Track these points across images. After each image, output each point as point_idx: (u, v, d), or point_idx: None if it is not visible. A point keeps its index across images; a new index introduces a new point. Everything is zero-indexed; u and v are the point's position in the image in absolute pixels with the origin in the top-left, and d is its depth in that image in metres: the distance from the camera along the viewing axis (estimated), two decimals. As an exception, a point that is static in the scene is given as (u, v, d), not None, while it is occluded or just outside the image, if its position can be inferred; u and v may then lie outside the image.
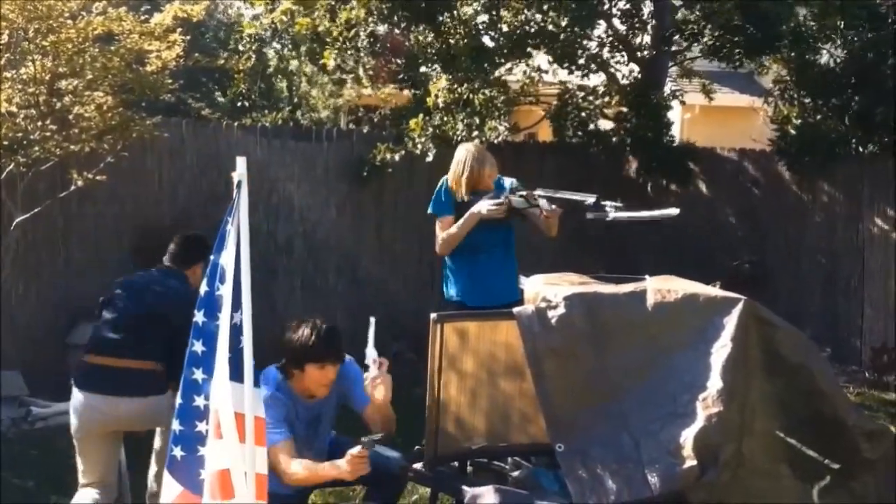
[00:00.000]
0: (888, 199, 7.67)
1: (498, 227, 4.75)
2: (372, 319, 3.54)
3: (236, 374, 2.61)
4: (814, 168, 7.74)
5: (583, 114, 8.62)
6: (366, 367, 3.60)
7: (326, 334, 3.64)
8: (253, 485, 2.61)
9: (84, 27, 5.93)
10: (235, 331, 2.60)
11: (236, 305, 2.66)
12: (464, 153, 4.82)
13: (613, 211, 4.23)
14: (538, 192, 4.54)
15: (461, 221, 4.70)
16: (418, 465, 3.45)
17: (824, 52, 8.00)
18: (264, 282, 7.21)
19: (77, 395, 4.10)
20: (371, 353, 3.56)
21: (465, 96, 7.79)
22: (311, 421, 3.79)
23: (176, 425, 2.62)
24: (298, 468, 3.50)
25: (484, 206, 4.62)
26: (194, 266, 4.27)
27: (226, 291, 2.69)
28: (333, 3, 8.14)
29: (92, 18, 6.02)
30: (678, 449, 2.95)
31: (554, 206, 4.48)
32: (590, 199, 4.31)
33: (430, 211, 4.91)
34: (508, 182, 4.80)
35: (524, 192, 4.57)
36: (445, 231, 4.78)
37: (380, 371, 3.55)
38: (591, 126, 8.70)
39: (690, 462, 2.91)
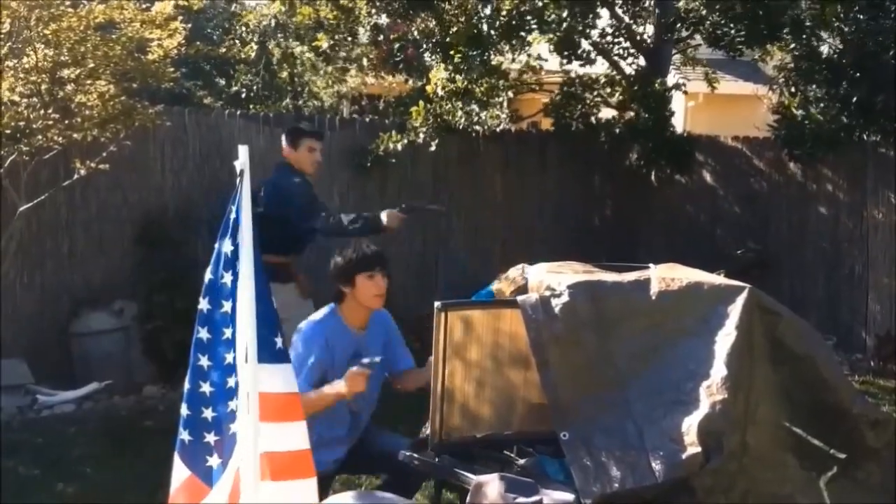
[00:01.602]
0: (892, 186, 7.66)
1: None
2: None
3: (265, 357, 2.64)
4: (813, 156, 7.72)
5: (585, 105, 8.60)
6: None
7: (370, 247, 3.90)
8: (264, 464, 2.63)
9: (85, 15, 5.92)
10: (262, 315, 2.63)
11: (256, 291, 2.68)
12: None
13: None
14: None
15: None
16: (423, 454, 3.45)
17: (825, 40, 7.96)
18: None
19: None
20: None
21: (464, 86, 7.78)
22: (355, 354, 3.87)
23: (184, 409, 2.65)
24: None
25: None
26: None
27: (229, 279, 2.69)
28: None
29: (93, 6, 6.00)
30: (682, 436, 2.95)
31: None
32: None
33: None
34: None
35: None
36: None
37: None
38: (593, 118, 8.69)
39: (694, 449, 2.91)
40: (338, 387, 3.60)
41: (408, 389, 4.18)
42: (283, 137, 5.59)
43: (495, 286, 3.67)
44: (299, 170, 5.46)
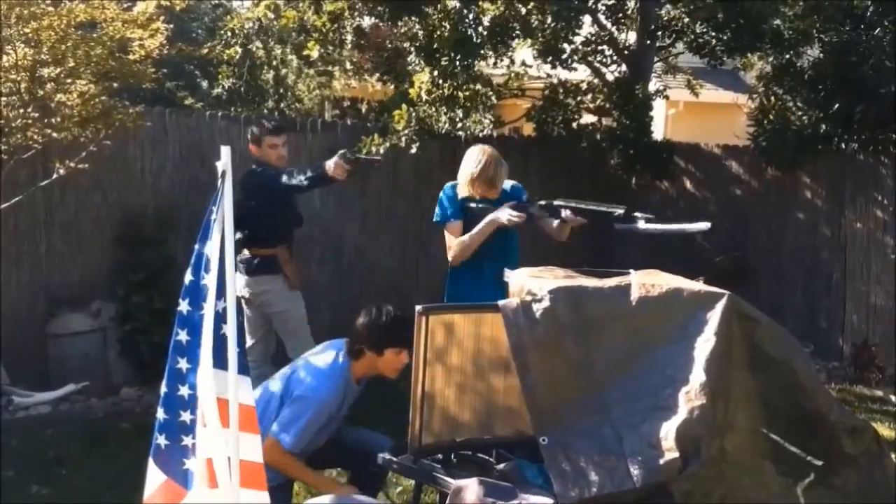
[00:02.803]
0: (869, 196, 7.73)
1: (504, 235, 4.66)
2: None
3: (220, 362, 2.60)
4: (792, 164, 7.78)
5: (567, 111, 8.63)
6: None
7: (405, 321, 3.80)
8: (238, 472, 2.60)
9: (66, 14, 5.88)
10: (218, 318, 2.59)
11: (220, 294, 2.65)
12: (479, 154, 4.64)
13: (644, 223, 4.20)
14: (558, 201, 4.51)
15: (478, 228, 4.57)
16: (403, 458, 3.46)
17: (805, 51, 8.04)
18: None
19: None
20: None
21: (448, 92, 7.79)
22: (352, 404, 4.03)
23: (160, 413, 2.62)
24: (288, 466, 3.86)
25: (504, 215, 4.54)
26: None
27: (210, 281, 2.68)
28: (318, -6, 8.12)
29: (74, 6, 5.96)
30: (660, 442, 2.96)
31: (578, 217, 4.46)
32: (618, 210, 4.29)
33: (436, 220, 4.78)
34: (510, 185, 4.72)
35: (543, 202, 4.54)
36: (458, 239, 4.63)
37: None
38: (575, 124, 8.71)
39: (672, 455, 2.92)
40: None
41: None
42: (249, 139, 5.70)
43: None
44: (269, 166, 5.55)
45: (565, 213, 4.50)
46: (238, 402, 2.63)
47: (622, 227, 4.29)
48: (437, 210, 4.79)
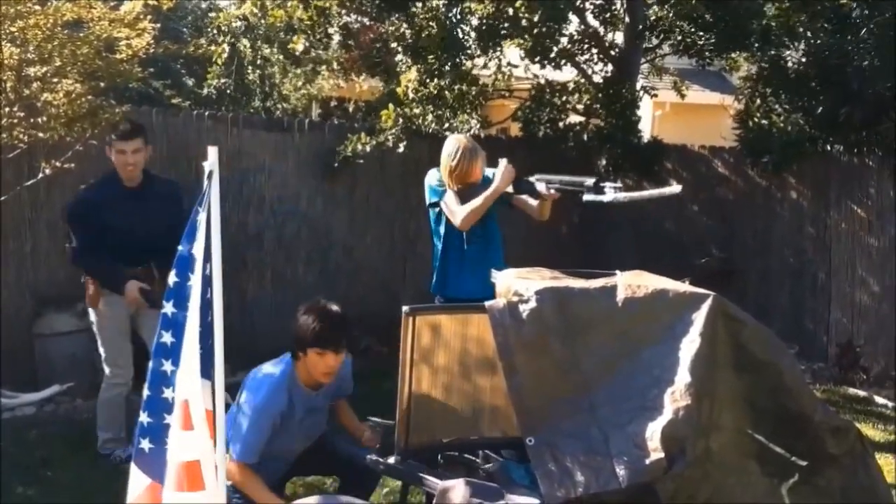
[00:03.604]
0: (853, 197, 7.77)
1: (484, 218, 4.67)
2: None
3: (207, 372, 2.58)
4: (778, 165, 7.81)
5: (554, 110, 8.64)
6: None
7: (330, 320, 3.64)
8: (224, 480, 2.60)
9: (52, 13, 5.85)
10: (207, 327, 2.58)
11: (204, 296, 2.64)
12: (454, 145, 4.69)
13: (613, 192, 4.17)
14: (534, 177, 4.54)
15: (484, 195, 4.54)
16: (389, 458, 3.45)
17: (790, 52, 8.08)
18: (234, 273, 7.16)
19: None
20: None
21: (435, 91, 7.79)
22: (309, 411, 3.83)
23: (144, 417, 2.59)
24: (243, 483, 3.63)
25: (503, 182, 4.57)
26: None
27: (195, 282, 2.67)
28: (306, -8, 8.10)
29: (60, 5, 5.93)
30: (645, 442, 2.97)
31: (552, 191, 4.47)
32: (588, 181, 4.25)
33: (430, 200, 4.76)
34: (492, 173, 4.75)
35: (521, 179, 4.56)
36: (466, 203, 4.59)
37: None
38: (561, 123, 8.73)
39: (657, 455, 2.93)
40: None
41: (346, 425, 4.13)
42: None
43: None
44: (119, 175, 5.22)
45: (539, 185, 4.50)
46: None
47: (591, 197, 4.25)
48: (427, 194, 4.80)
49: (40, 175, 6.03)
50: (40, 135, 5.82)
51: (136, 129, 5.30)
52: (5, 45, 5.72)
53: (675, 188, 4.44)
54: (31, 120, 5.82)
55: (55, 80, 6.00)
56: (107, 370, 5.27)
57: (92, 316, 5.29)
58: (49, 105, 5.92)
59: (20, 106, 5.81)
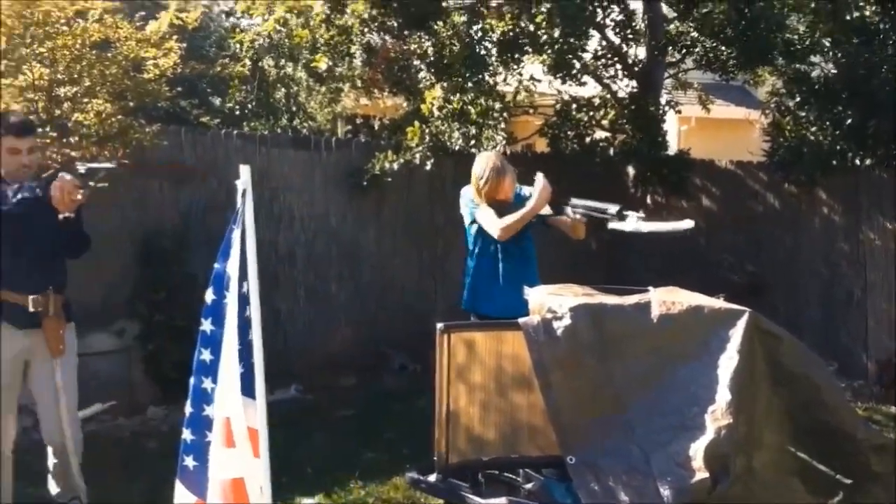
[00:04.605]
0: (885, 211, 7.68)
1: (520, 236, 4.69)
2: None
3: (248, 390, 2.57)
4: (806, 180, 7.74)
5: (580, 126, 8.62)
6: None
7: None
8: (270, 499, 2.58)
9: (81, 33, 5.91)
10: (246, 345, 2.56)
11: (242, 311, 2.63)
12: (484, 163, 4.71)
13: (635, 221, 4.21)
14: (573, 201, 4.57)
15: (524, 210, 4.56)
16: (430, 477, 3.43)
17: (817, 64, 8.02)
18: (266, 291, 7.16)
19: None
20: None
21: (460, 107, 7.79)
22: None
23: (187, 434, 2.60)
24: None
25: (542, 201, 4.60)
26: None
27: (231, 299, 2.66)
28: (329, 12, 8.14)
29: (88, 25, 5.99)
30: (688, 461, 2.94)
31: (578, 216, 4.51)
32: (612, 208, 4.32)
33: (469, 217, 4.77)
34: (528, 191, 4.75)
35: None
36: (503, 218, 4.60)
37: None
38: (588, 139, 8.70)
39: (702, 474, 2.90)
40: None
41: None
42: None
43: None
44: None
45: (567, 209, 4.57)
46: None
47: (615, 226, 4.31)
48: (463, 210, 4.82)
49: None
50: (73, 154, 5.87)
51: (32, 125, 4.51)
52: (35, 65, 5.78)
53: (687, 223, 4.49)
54: (63, 140, 5.87)
55: (85, 100, 6.07)
56: None
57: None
58: (80, 125, 5.98)
59: (52, 126, 5.87)
